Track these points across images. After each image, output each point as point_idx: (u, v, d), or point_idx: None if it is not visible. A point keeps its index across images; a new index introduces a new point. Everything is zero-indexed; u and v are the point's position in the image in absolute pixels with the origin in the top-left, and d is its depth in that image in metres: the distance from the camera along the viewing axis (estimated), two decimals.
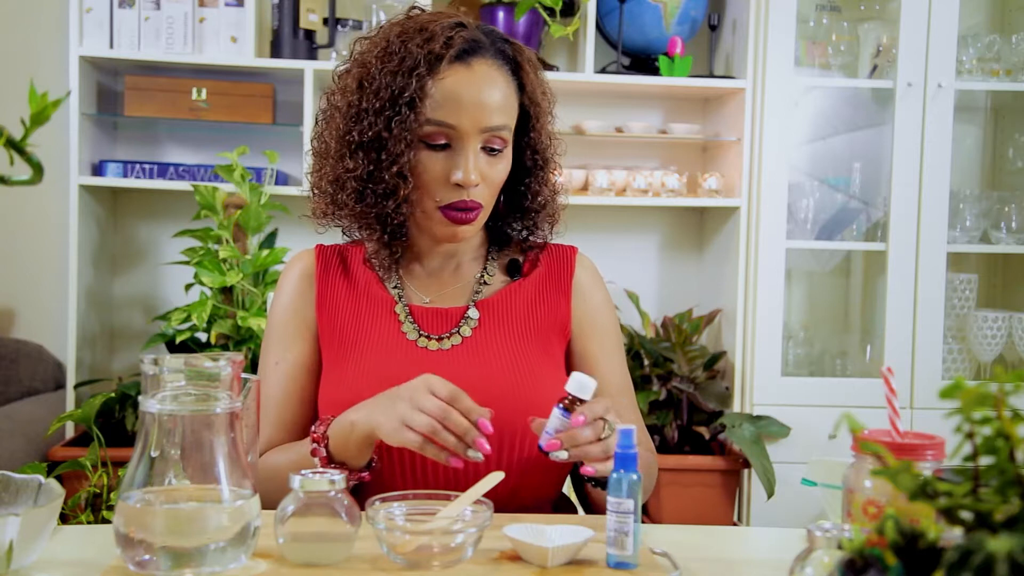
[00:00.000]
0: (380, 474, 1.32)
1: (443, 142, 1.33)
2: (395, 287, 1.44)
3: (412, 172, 1.33)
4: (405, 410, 1.16)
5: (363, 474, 1.27)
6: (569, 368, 1.45)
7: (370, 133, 1.33)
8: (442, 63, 1.32)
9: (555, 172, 1.46)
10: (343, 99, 1.37)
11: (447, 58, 1.32)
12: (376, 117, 1.33)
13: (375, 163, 1.33)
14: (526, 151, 1.41)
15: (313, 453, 1.25)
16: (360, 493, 1.30)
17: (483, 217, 1.38)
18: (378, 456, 1.29)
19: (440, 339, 1.39)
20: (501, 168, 1.37)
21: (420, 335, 1.39)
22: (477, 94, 1.32)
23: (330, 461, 1.25)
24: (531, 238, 1.48)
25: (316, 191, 1.42)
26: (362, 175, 1.34)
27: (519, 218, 1.46)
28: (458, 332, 1.39)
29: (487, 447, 1.15)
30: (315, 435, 1.26)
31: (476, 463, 1.19)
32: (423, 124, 1.32)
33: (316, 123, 1.43)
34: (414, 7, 1.42)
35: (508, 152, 1.38)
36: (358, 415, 1.23)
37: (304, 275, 1.46)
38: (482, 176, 1.34)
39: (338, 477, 1.07)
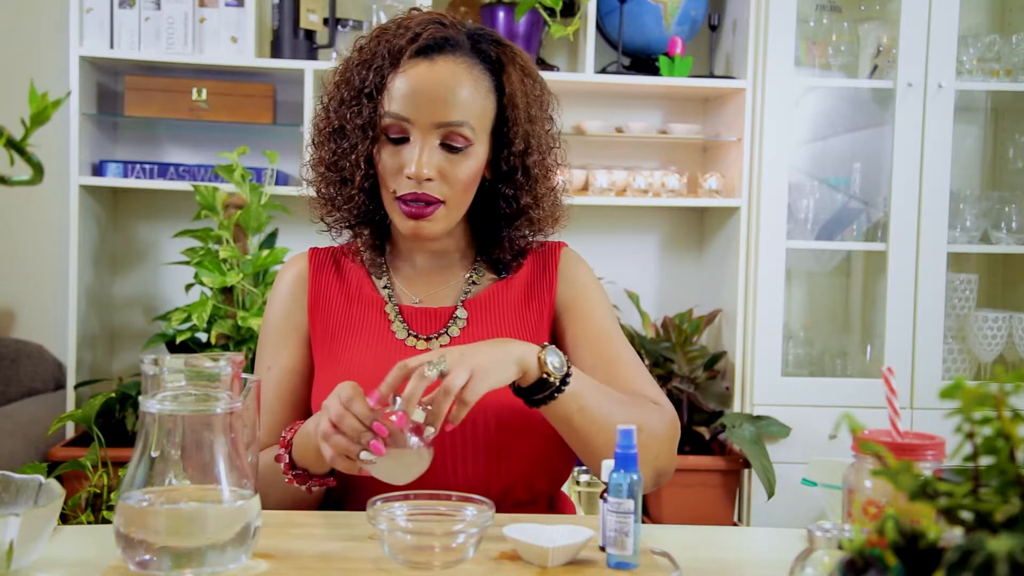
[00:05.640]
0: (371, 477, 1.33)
1: (401, 135, 1.33)
2: (385, 287, 1.45)
3: (373, 164, 1.36)
4: (321, 421, 1.15)
5: (328, 479, 1.26)
6: (559, 343, 1.42)
7: (337, 123, 1.37)
8: (403, 57, 1.33)
9: (543, 181, 1.42)
10: (326, 94, 1.41)
11: (409, 52, 1.33)
12: (341, 107, 1.37)
13: (338, 151, 1.37)
14: (502, 152, 1.39)
15: (277, 459, 1.26)
16: (359, 493, 1.30)
17: (447, 215, 1.36)
18: None
19: (428, 339, 1.39)
20: (464, 167, 1.34)
21: (409, 334, 1.40)
22: (434, 88, 1.32)
23: (293, 467, 1.25)
24: (518, 241, 1.46)
25: (309, 189, 1.46)
26: (327, 162, 1.39)
27: (498, 222, 1.44)
28: (446, 332, 1.40)
29: (381, 449, 1.11)
30: (282, 440, 1.27)
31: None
32: (382, 117, 1.33)
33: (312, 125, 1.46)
34: (413, 8, 1.43)
35: (475, 151, 1.35)
36: (312, 425, 1.22)
37: (297, 279, 1.46)
38: (440, 172, 1.33)
39: (418, 410, 1.12)
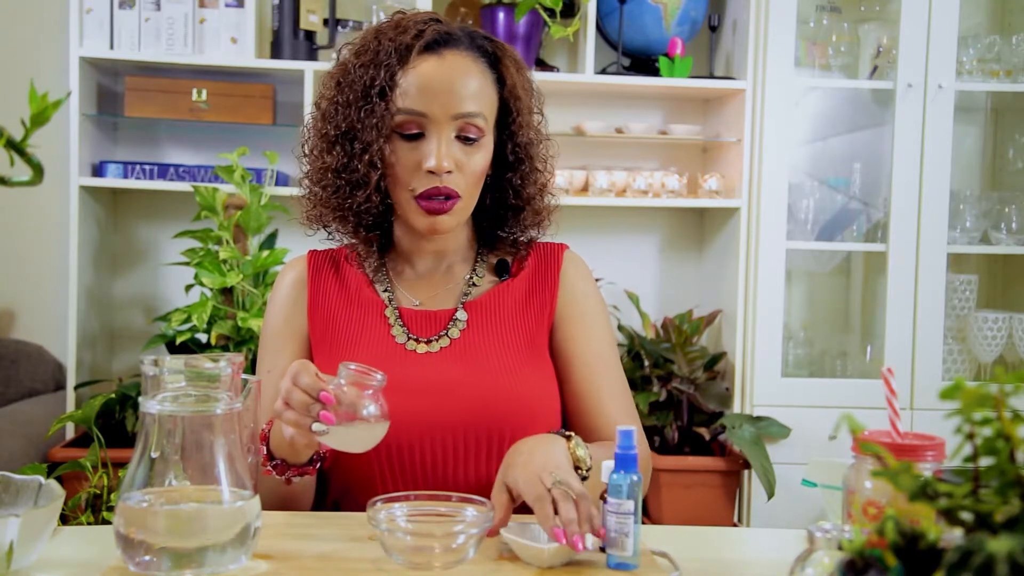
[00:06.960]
0: (369, 475, 1.32)
1: (416, 131, 1.33)
2: (385, 290, 1.44)
3: (386, 162, 1.35)
4: (277, 402, 1.15)
5: (306, 467, 1.25)
6: (553, 356, 1.43)
7: (344, 125, 1.35)
8: (412, 53, 1.33)
9: (543, 171, 1.45)
10: (324, 99, 1.40)
11: (417, 48, 1.33)
12: (349, 109, 1.35)
13: (348, 154, 1.35)
14: (507, 145, 1.41)
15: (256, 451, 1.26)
16: (360, 494, 1.30)
17: (462, 208, 1.37)
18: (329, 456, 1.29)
19: (429, 342, 1.39)
20: (478, 158, 1.36)
21: (409, 338, 1.39)
22: (447, 81, 1.33)
23: (271, 459, 1.24)
24: (520, 238, 1.48)
25: (304, 195, 1.44)
26: (337, 167, 1.36)
27: (504, 216, 1.46)
28: (447, 334, 1.39)
29: (331, 418, 1.11)
30: (262, 434, 1.27)
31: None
32: (395, 114, 1.33)
33: (303, 130, 1.44)
34: (399, 12, 1.43)
35: (486, 143, 1.37)
36: None
37: (296, 282, 1.46)
38: (457, 165, 1.34)
39: (380, 376, 1.13)
